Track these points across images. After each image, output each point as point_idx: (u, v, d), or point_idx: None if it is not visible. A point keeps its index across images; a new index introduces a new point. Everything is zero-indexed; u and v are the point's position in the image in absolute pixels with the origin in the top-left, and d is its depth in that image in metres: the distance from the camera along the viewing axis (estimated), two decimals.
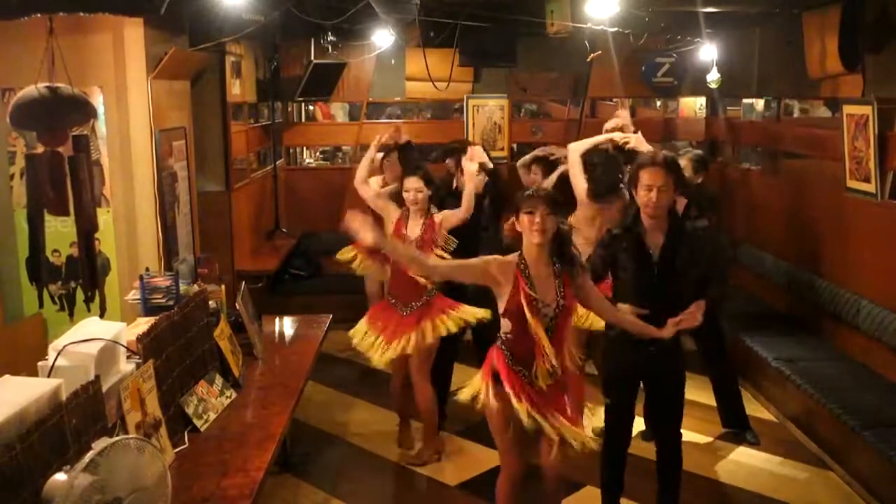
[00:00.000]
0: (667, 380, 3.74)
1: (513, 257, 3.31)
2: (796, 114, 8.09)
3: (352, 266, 5.70)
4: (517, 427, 3.31)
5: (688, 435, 4.95)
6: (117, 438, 2.30)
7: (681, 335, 3.60)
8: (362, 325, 4.65)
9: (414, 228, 4.56)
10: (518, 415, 3.23)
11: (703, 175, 5.07)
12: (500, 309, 3.33)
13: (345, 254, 5.71)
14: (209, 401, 3.37)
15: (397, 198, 4.76)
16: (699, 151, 5.14)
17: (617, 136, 4.68)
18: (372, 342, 4.52)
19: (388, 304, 4.63)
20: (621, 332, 3.61)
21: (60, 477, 2.15)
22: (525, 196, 3.27)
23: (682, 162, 4.76)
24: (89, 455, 2.19)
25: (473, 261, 3.42)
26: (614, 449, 3.84)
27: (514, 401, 3.24)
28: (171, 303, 3.73)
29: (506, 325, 3.33)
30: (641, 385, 3.92)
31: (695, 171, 4.99)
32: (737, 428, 5.01)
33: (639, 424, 4.66)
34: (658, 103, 9.41)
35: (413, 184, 4.53)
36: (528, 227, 3.22)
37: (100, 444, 2.24)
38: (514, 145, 8.14)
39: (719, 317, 4.85)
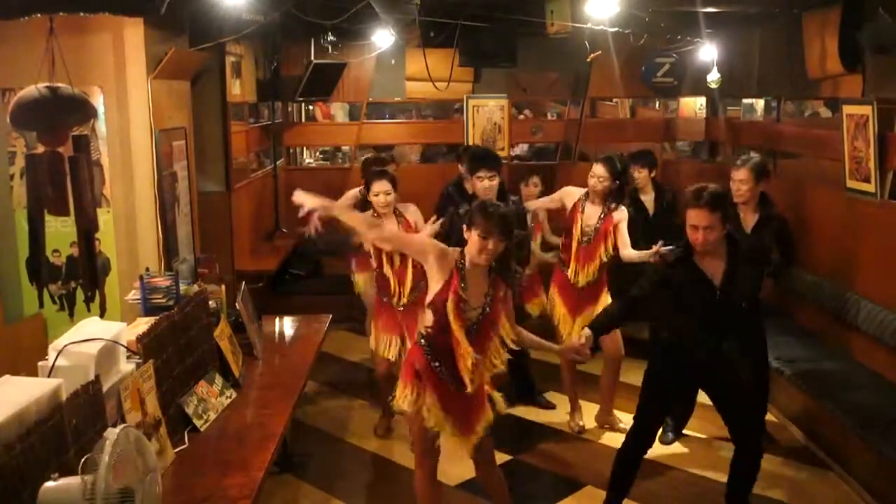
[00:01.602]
0: (727, 385, 3.72)
1: (455, 252, 3.32)
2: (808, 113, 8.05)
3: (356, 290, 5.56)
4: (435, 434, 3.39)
5: (688, 435, 4.98)
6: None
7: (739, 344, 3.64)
8: (373, 329, 4.85)
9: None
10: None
11: (764, 183, 4.82)
12: (427, 299, 3.34)
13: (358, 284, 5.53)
14: (209, 401, 3.37)
15: (363, 206, 4.78)
16: (758, 158, 4.92)
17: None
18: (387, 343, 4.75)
19: (380, 301, 4.76)
20: (675, 338, 3.66)
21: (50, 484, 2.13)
22: (481, 215, 3.21)
23: (743, 173, 4.72)
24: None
25: (419, 237, 3.47)
26: (638, 450, 3.86)
27: (424, 409, 3.31)
28: (171, 303, 3.72)
29: (428, 317, 3.35)
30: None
31: (756, 181, 4.75)
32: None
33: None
34: (658, 103, 9.41)
35: (382, 187, 4.65)
36: (477, 248, 3.21)
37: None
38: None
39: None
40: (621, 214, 4.78)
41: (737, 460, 3.84)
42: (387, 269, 4.67)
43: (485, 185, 4.94)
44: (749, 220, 4.78)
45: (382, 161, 5.69)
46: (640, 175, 5.85)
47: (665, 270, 3.66)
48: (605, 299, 4.85)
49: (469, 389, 3.30)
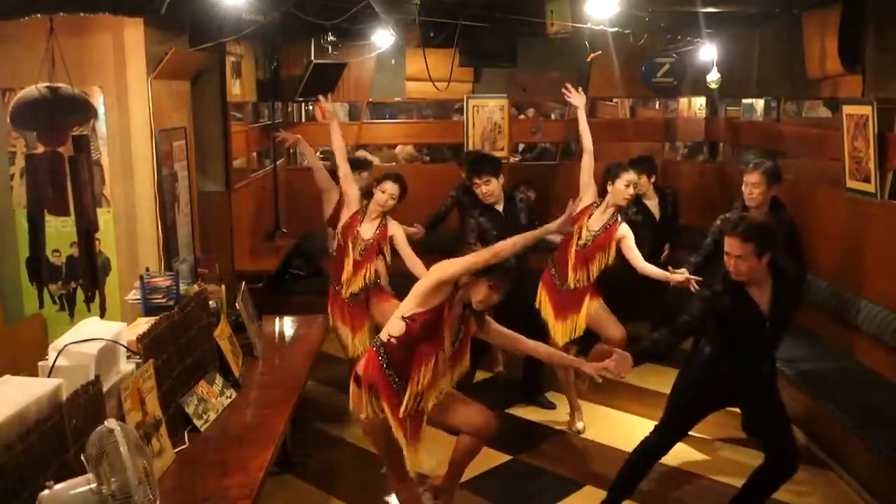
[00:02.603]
0: (764, 404, 3.78)
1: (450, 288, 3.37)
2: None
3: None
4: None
5: (691, 435, 4.97)
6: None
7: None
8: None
9: (368, 229, 4.82)
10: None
11: (776, 187, 4.78)
12: (412, 311, 3.34)
13: None
14: (209, 401, 3.37)
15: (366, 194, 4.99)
16: (770, 162, 4.85)
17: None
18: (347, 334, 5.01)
19: (334, 290, 4.96)
20: (718, 355, 3.69)
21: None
22: (503, 271, 3.31)
23: (756, 177, 4.68)
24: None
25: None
26: (656, 456, 3.88)
27: (387, 413, 3.39)
28: (171, 303, 3.73)
29: (396, 327, 3.38)
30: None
31: (769, 185, 4.71)
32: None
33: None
34: (658, 103, 9.41)
35: (391, 188, 4.76)
36: (483, 297, 3.33)
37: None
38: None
39: None
40: (624, 231, 4.74)
41: (767, 475, 3.83)
42: (347, 262, 4.81)
43: (482, 190, 5.04)
44: None
45: (362, 164, 5.80)
46: (641, 181, 5.83)
47: (714, 301, 3.62)
48: (589, 305, 4.86)
49: (427, 411, 3.43)
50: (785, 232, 4.73)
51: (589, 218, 4.84)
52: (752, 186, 4.71)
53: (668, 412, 3.87)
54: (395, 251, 4.84)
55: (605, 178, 4.86)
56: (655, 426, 3.90)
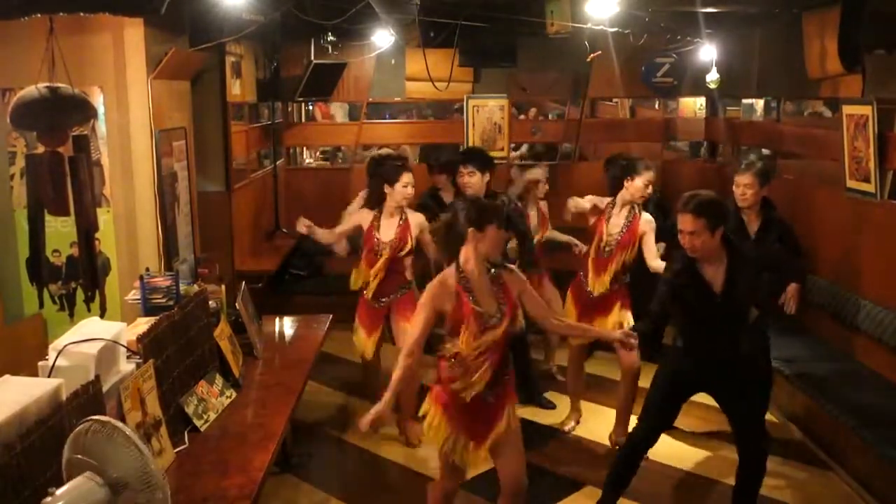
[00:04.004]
0: (734, 388, 3.75)
1: (449, 273, 3.27)
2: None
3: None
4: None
5: (688, 435, 4.98)
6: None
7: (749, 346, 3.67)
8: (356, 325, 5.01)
9: (387, 231, 4.78)
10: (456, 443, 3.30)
11: (767, 188, 4.78)
12: (445, 328, 3.27)
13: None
14: (209, 401, 3.37)
15: (370, 202, 4.99)
16: (761, 163, 4.85)
17: None
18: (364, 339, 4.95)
19: (364, 299, 4.92)
20: (689, 344, 3.73)
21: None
22: (483, 207, 3.28)
23: (747, 178, 4.68)
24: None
25: (421, 318, 3.28)
26: (643, 450, 3.91)
27: (447, 431, 3.30)
28: (171, 303, 3.73)
29: (451, 347, 3.26)
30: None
31: (761, 185, 4.71)
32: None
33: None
34: (658, 103, 9.41)
35: (409, 178, 4.74)
36: (498, 241, 3.25)
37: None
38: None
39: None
40: (648, 225, 4.67)
41: (742, 463, 3.85)
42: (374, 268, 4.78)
43: (463, 180, 5.07)
44: (753, 224, 4.78)
45: (396, 159, 5.72)
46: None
47: (671, 279, 3.70)
48: (618, 314, 4.74)
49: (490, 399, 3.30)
50: (777, 229, 4.74)
51: (608, 222, 4.74)
52: (745, 188, 4.73)
53: (648, 402, 3.91)
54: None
55: (621, 173, 4.75)
56: (638, 417, 3.95)
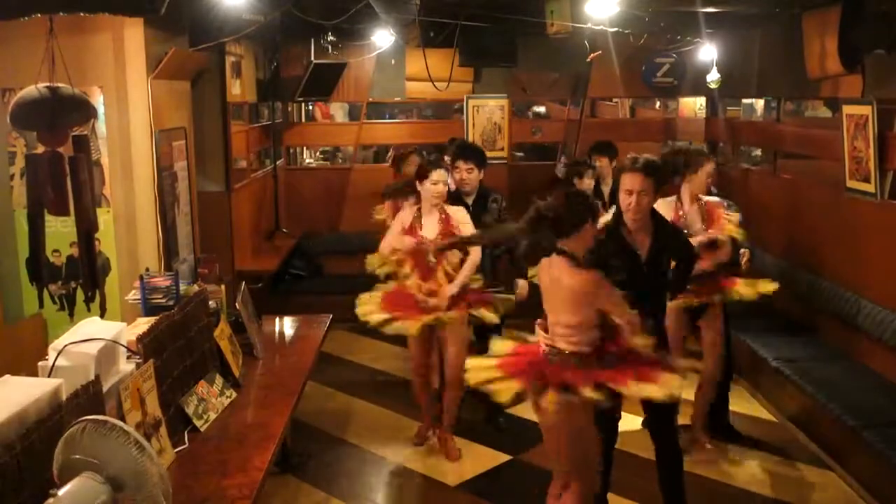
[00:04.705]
0: None
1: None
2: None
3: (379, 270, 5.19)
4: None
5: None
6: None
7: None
8: (372, 303, 4.61)
9: (429, 228, 4.57)
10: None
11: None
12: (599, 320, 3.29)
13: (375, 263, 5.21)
14: (209, 401, 3.37)
15: (402, 193, 4.88)
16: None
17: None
18: (381, 319, 4.50)
19: (404, 289, 4.59)
20: None
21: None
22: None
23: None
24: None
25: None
26: (606, 421, 3.79)
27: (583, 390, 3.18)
28: (171, 303, 3.73)
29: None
30: None
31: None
32: (716, 433, 4.87)
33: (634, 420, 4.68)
34: (658, 103, 9.41)
35: (441, 176, 4.54)
36: (582, 240, 3.29)
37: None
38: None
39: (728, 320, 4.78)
40: (716, 202, 4.69)
41: (656, 451, 3.87)
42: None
43: (461, 175, 4.99)
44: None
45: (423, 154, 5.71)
46: (602, 164, 5.94)
47: (595, 245, 3.50)
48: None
49: None
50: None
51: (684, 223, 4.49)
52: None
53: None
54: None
55: (681, 167, 4.50)
56: None
